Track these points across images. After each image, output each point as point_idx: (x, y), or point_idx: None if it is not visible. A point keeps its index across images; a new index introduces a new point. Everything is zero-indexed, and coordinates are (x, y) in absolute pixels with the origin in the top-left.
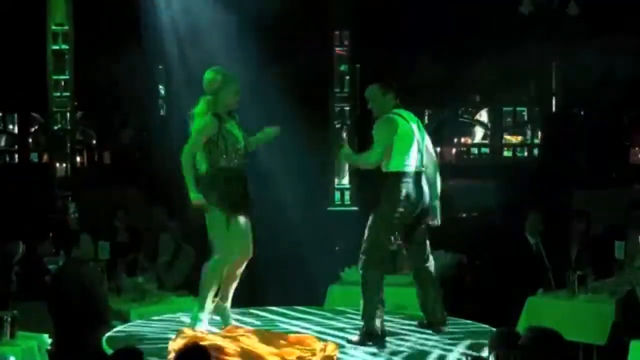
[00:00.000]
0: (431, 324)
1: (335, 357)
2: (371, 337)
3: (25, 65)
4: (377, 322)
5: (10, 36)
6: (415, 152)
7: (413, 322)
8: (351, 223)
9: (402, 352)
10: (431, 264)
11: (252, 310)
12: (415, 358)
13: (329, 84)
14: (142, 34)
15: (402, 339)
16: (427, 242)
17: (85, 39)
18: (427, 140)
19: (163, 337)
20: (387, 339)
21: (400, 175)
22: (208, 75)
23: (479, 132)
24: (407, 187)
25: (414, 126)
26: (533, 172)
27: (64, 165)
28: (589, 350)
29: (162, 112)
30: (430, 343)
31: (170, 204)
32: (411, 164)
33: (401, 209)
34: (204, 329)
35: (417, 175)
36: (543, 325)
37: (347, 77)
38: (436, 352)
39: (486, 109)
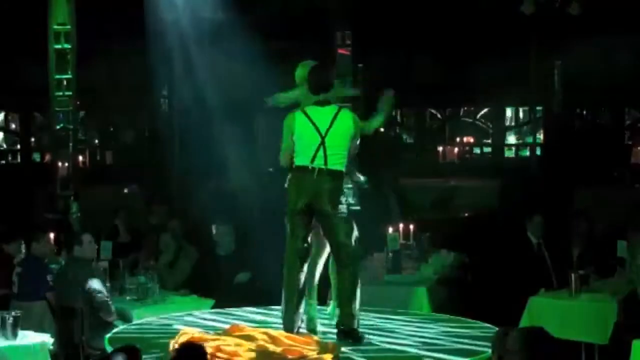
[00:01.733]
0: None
1: (336, 357)
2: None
3: (28, 64)
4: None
5: (13, 35)
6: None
7: (415, 320)
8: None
9: (405, 349)
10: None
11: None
12: (416, 356)
13: None
14: (145, 33)
15: (403, 337)
16: (336, 240)
17: (87, 39)
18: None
19: (164, 337)
20: (390, 337)
21: (291, 170)
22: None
23: (481, 131)
24: (292, 182)
25: (320, 123)
26: (535, 172)
27: (66, 164)
28: (590, 350)
29: (164, 112)
30: (433, 341)
31: (171, 204)
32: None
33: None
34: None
35: (307, 170)
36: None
37: (350, 77)
38: (440, 350)
39: (488, 109)
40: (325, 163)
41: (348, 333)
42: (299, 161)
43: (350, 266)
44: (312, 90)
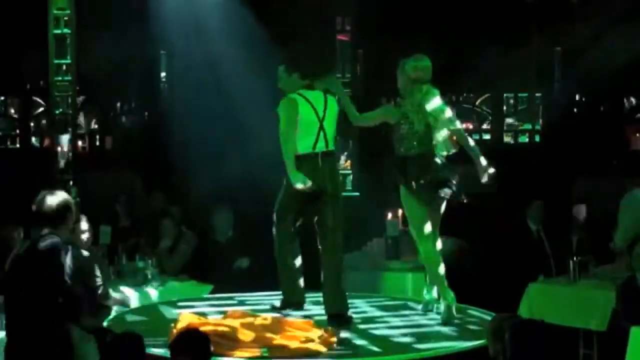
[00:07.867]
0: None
1: (334, 343)
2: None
3: (27, 49)
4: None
5: (12, 20)
6: (316, 133)
7: (414, 306)
8: (352, 209)
9: (404, 335)
10: (333, 248)
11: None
12: (415, 342)
13: None
14: (145, 19)
15: (401, 323)
16: (330, 224)
17: (87, 24)
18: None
19: (164, 322)
20: (388, 323)
21: (299, 158)
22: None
23: (479, 117)
24: (304, 170)
25: (318, 107)
26: (534, 159)
27: (65, 149)
28: (589, 337)
29: (164, 97)
30: (431, 328)
31: (171, 189)
32: (310, 146)
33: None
34: None
35: (316, 156)
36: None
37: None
38: (438, 337)
39: (487, 95)
40: (328, 145)
41: (339, 317)
42: (302, 149)
43: (340, 251)
44: (302, 75)
